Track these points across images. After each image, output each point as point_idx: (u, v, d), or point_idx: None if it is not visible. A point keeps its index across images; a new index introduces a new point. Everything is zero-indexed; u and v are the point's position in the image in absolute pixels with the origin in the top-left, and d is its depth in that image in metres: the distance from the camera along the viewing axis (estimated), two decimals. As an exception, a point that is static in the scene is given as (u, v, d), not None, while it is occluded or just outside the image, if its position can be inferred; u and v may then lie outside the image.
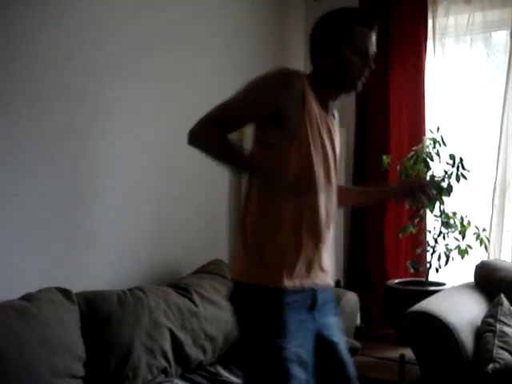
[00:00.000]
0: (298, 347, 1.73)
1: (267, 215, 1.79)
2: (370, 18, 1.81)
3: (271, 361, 1.71)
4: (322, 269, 1.84)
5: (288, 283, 1.75)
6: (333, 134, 1.86)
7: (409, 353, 2.72)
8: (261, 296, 1.77)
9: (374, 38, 1.80)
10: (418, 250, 3.29)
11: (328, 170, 1.82)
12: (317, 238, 1.80)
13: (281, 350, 1.70)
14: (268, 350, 1.72)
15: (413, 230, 3.25)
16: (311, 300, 1.81)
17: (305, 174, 1.76)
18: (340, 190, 1.94)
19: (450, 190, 3.16)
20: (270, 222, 1.78)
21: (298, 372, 1.70)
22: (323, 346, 1.83)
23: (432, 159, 3.21)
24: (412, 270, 3.27)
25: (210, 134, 1.82)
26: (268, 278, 1.75)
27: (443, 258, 3.21)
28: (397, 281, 3.30)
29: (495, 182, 3.29)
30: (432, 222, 3.28)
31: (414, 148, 3.25)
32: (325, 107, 1.84)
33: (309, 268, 1.79)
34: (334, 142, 1.87)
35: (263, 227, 1.80)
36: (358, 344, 2.91)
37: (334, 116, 1.92)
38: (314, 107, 1.78)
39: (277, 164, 1.75)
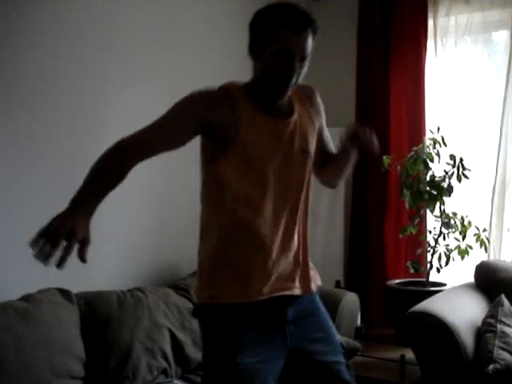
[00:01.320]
0: (259, 363, 1.64)
1: (207, 229, 1.85)
2: (294, 19, 1.67)
3: (225, 376, 1.65)
4: (280, 279, 1.74)
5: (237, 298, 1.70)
6: (286, 141, 1.76)
7: (409, 353, 2.72)
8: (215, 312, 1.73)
9: (303, 41, 1.67)
10: (419, 251, 3.29)
11: (278, 172, 1.74)
12: (257, 250, 1.72)
13: (235, 366, 1.63)
14: (222, 365, 1.66)
15: (413, 230, 3.25)
16: (277, 315, 1.73)
17: (246, 180, 1.71)
18: (325, 170, 1.95)
19: (450, 190, 3.16)
20: (208, 237, 1.83)
21: None
22: (306, 363, 1.75)
23: (432, 159, 3.21)
24: (412, 271, 3.27)
25: (107, 154, 1.79)
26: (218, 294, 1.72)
27: (443, 259, 3.21)
28: (397, 281, 3.30)
29: (495, 182, 3.28)
30: (432, 222, 3.28)
31: (414, 148, 3.24)
32: (270, 111, 1.76)
33: (250, 281, 1.71)
34: (294, 141, 1.77)
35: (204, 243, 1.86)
36: (358, 344, 2.90)
37: (294, 113, 1.81)
38: (250, 116, 1.72)
39: (219, 176, 1.76)
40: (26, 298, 2.29)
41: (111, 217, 2.81)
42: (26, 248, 2.45)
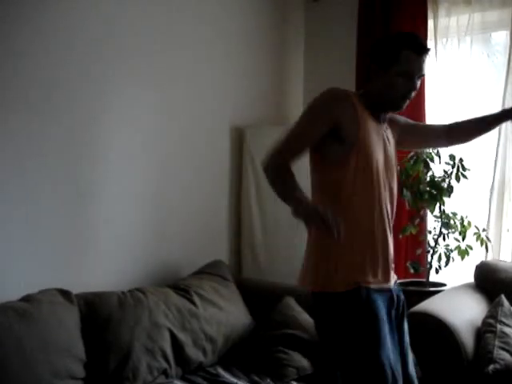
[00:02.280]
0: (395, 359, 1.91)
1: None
2: (421, 44, 1.93)
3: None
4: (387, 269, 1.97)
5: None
6: (386, 143, 1.99)
7: (409, 353, 2.72)
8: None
9: (421, 62, 1.91)
10: (419, 251, 3.29)
11: (384, 175, 1.96)
12: (370, 239, 1.92)
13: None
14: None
15: (413, 230, 3.25)
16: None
17: (365, 178, 1.90)
18: (457, 129, 2.17)
19: (450, 190, 3.16)
20: None
21: None
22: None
23: (432, 159, 3.20)
24: (412, 271, 3.27)
25: (276, 171, 1.95)
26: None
27: (443, 259, 3.21)
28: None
29: (493, 182, 3.28)
30: (432, 222, 3.28)
31: (414, 148, 3.24)
32: (376, 118, 1.98)
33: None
34: (388, 150, 1.99)
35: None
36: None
37: (387, 126, 2.05)
38: (366, 118, 1.93)
39: (336, 176, 1.92)
40: (27, 299, 2.29)
41: (111, 217, 2.81)
42: (26, 248, 2.47)
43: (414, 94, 1.95)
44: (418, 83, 1.94)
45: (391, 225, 1.99)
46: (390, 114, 2.05)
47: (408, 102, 1.97)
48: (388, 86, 1.94)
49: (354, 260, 1.90)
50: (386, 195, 1.95)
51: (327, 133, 1.89)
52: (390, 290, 1.95)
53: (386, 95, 1.95)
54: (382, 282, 1.93)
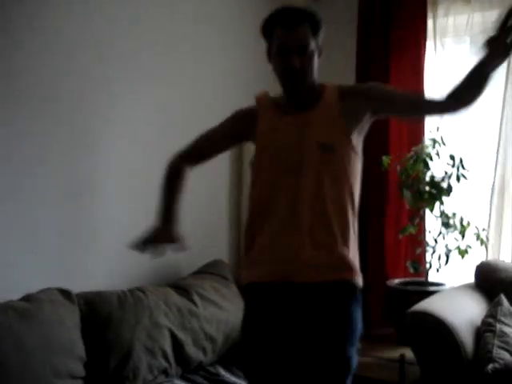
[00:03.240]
0: None
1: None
2: (282, 16, 1.83)
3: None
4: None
5: None
6: (303, 128, 1.88)
7: (409, 353, 2.72)
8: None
9: (296, 34, 1.82)
10: (418, 250, 3.29)
11: (284, 162, 1.87)
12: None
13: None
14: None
15: (413, 230, 3.25)
16: None
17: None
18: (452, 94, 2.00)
19: (449, 190, 3.16)
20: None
21: None
22: None
23: (432, 159, 3.21)
24: (412, 270, 3.27)
25: None
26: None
27: (443, 258, 3.21)
28: (397, 281, 3.30)
29: (493, 182, 3.28)
30: (432, 222, 3.28)
31: (414, 148, 3.24)
32: (289, 109, 1.92)
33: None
34: (305, 132, 1.88)
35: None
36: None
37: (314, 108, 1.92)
38: (266, 117, 1.94)
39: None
40: (27, 298, 2.29)
41: (112, 217, 2.82)
42: (26, 248, 2.47)
43: (303, 72, 1.85)
44: (306, 59, 1.84)
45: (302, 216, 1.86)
46: (346, 97, 1.92)
47: (296, 79, 1.86)
48: (275, 70, 1.91)
49: None
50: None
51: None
52: None
53: (279, 80, 1.91)
54: None
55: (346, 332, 1.81)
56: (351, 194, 1.88)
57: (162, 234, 2.10)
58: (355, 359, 1.83)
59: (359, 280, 1.88)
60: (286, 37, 1.82)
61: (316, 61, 1.90)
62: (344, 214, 1.86)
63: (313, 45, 1.86)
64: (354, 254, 1.89)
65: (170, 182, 2.15)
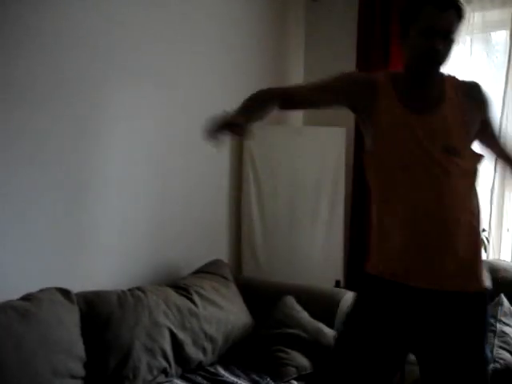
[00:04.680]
0: None
1: None
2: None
3: None
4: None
5: None
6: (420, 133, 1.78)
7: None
8: None
9: (445, 18, 1.72)
10: (418, 250, 3.28)
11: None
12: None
13: None
14: None
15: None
16: None
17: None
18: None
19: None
20: None
21: None
22: None
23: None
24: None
25: None
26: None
27: (443, 258, 3.20)
28: (397, 281, 3.29)
29: (494, 182, 3.28)
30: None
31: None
32: (414, 103, 1.80)
33: None
34: (434, 139, 1.77)
35: None
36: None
37: (441, 107, 1.80)
38: (388, 101, 1.81)
39: None
40: (27, 298, 2.29)
41: (112, 216, 2.82)
42: (26, 248, 2.47)
43: (442, 59, 1.76)
44: (448, 46, 1.74)
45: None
46: (473, 99, 1.82)
47: (435, 63, 1.77)
48: (410, 53, 1.78)
49: None
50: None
51: None
52: None
53: (410, 65, 1.80)
54: None
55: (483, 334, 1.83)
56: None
57: (238, 119, 1.75)
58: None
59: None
60: (436, 18, 1.72)
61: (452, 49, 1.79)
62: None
63: (456, 33, 1.76)
64: None
65: (257, 98, 1.96)
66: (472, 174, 1.82)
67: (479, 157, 1.85)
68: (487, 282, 1.82)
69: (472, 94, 1.84)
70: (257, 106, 1.91)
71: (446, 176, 1.75)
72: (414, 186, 1.76)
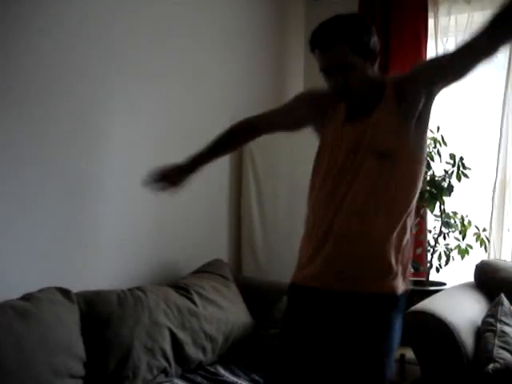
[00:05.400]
0: None
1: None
2: (316, 38, 1.81)
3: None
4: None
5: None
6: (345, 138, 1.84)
7: (409, 353, 2.72)
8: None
9: (327, 56, 1.77)
10: (419, 250, 3.29)
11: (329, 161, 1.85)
12: None
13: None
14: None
15: (413, 229, 3.24)
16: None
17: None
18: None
19: (450, 189, 3.16)
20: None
21: None
22: None
23: (432, 159, 3.20)
24: (412, 270, 3.27)
25: None
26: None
27: (443, 258, 3.21)
28: (397, 281, 3.30)
29: (495, 182, 3.28)
30: (432, 221, 3.28)
31: (415, 148, 3.24)
32: (354, 112, 1.86)
33: None
34: (361, 141, 1.81)
35: None
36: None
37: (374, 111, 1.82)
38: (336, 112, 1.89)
39: None
40: (26, 298, 2.29)
41: (112, 216, 2.82)
42: (25, 248, 2.46)
43: (344, 86, 1.78)
44: (345, 70, 1.76)
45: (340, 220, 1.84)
46: (399, 89, 1.80)
47: (345, 96, 1.81)
48: None
49: None
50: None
51: None
52: None
53: None
54: None
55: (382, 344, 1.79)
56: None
57: (174, 172, 2.08)
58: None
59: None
60: (322, 60, 1.79)
61: (366, 69, 1.80)
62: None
63: (354, 59, 1.77)
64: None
65: (217, 137, 2.12)
66: (407, 175, 1.80)
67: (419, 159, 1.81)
68: (396, 286, 1.83)
69: (399, 82, 1.82)
70: (214, 143, 2.12)
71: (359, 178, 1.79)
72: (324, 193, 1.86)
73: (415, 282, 3.25)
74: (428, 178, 3.18)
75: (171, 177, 2.04)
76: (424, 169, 1.87)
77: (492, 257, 3.28)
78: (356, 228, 1.80)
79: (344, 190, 1.81)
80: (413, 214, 1.92)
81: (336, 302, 1.82)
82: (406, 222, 1.88)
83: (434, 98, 1.86)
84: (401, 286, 1.85)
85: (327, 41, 1.78)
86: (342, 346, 1.79)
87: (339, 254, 1.82)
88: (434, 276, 3.25)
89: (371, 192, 1.79)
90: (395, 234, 1.84)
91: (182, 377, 2.59)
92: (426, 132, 1.87)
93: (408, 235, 1.90)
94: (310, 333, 1.84)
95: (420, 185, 1.86)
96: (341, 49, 1.76)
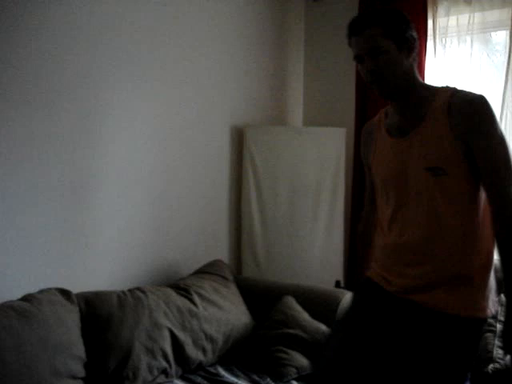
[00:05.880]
0: None
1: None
2: (352, 24, 1.78)
3: None
4: None
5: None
6: (397, 153, 1.81)
7: (409, 353, 2.71)
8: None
9: (361, 39, 1.75)
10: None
11: (390, 187, 1.84)
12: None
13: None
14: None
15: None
16: None
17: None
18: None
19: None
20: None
21: None
22: None
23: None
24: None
25: None
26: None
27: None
28: (397, 281, 3.30)
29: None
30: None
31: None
32: (396, 128, 1.84)
33: None
34: (408, 159, 1.78)
35: None
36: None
37: (420, 124, 1.77)
38: (379, 139, 1.90)
39: None
40: (27, 298, 2.29)
41: (112, 217, 2.82)
42: (26, 248, 2.47)
43: (379, 74, 1.74)
44: (380, 61, 1.73)
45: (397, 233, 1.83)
46: (453, 116, 1.69)
47: (377, 84, 1.76)
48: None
49: None
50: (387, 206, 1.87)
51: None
52: None
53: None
54: None
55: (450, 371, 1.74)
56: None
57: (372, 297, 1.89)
58: None
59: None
60: (356, 44, 1.77)
61: (400, 59, 1.75)
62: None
63: (387, 43, 1.73)
64: None
65: (361, 237, 2.19)
66: (462, 194, 1.73)
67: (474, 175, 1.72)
68: (484, 310, 1.81)
69: (460, 108, 1.71)
70: (365, 246, 2.15)
71: (426, 195, 1.75)
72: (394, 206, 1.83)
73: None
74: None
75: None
76: (482, 195, 1.77)
77: (492, 257, 3.27)
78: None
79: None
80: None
81: None
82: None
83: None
84: None
85: (362, 24, 1.76)
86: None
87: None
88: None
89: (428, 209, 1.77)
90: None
91: (182, 377, 2.59)
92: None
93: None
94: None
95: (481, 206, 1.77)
96: (374, 31, 1.73)
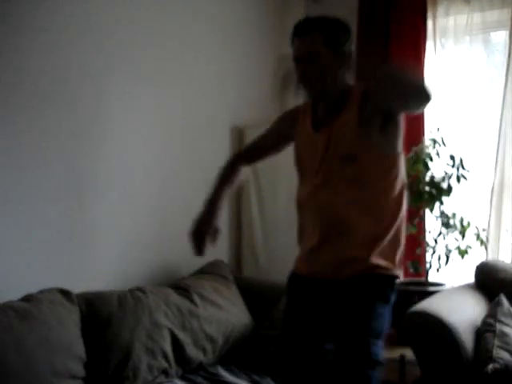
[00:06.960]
0: None
1: None
2: (298, 26, 1.92)
3: None
4: None
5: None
6: (316, 145, 1.96)
7: (409, 353, 2.72)
8: None
9: (303, 42, 1.89)
10: (418, 251, 3.29)
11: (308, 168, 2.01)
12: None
13: None
14: None
15: (412, 230, 3.25)
16: None
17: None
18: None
19: (449, 190, 3.16)
20: None
21: None
22: None
23: (432, 160, 3.21)
24: (412, 271, 3.27)
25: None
26: None
27: (443, 259, 3.21)
28: (397, 281, 3.30)
29: (493, 182, 3.29)
30: (432, 222, 3.28)
31: (414, 148, 3.24)
32: (318, 120, 1.99)
33: None
34: (327, 149, 1.94)
35: None
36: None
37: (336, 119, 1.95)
38: (302, 131, 2.05)
39: None
40: (27, 299, 2.29)
41: (112, 217, 2.82)
42: (26, 248, 2.47)
43: (310, 78, 1.91)
44: (311, 67, 1.89)
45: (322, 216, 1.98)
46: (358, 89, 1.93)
47: (307, 87, 1.94)
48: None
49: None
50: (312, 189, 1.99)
51: None
52: None
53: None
54: None
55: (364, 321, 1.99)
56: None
57: (203, 226, 2.20)
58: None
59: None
60: (297, 46, 1.91)
61: (334, 68, 1.92)
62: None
63: (324, 52, 1.89)
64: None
65: (221, 176, 2.27)
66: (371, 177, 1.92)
67: (387, 158, 1.94)
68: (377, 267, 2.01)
69: (367, 93, 1.89)
70: (221, 182, 2.28)
71: (337, 182, 1.92)
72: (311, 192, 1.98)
73: (415, 283, 3.26)
74: (427, 178, 3.19)
75: (209, 232, 2.18)
76: (403, 161, 2.04)
77: (490, 257, 3.28)
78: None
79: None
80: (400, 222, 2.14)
81: None
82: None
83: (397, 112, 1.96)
84: None
85: (306, 28, 1.91)
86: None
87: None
88: (433, 276, 3.25)
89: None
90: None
91: (182, 377, 2.59)
92: (396, 129, 1.99)
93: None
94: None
95: (401, 175, 2.03)
96: (316, 37, 1.88)
